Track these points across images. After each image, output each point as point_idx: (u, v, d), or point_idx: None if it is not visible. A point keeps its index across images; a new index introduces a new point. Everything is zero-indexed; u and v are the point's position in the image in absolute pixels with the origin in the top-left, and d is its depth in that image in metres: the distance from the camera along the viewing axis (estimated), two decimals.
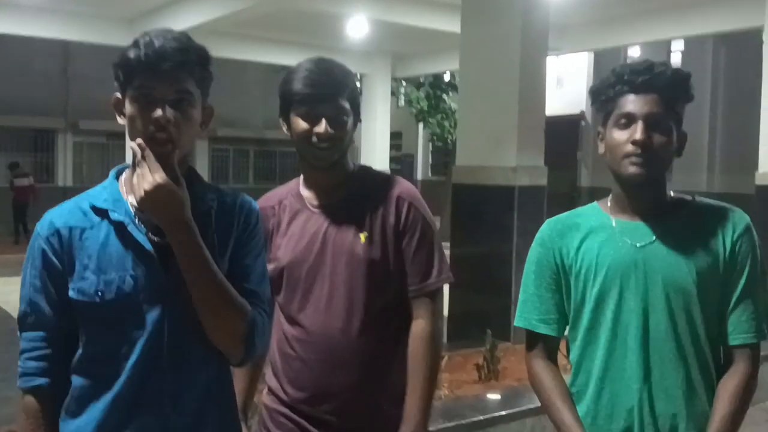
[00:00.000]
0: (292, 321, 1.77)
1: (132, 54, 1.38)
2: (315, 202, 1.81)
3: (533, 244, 1.76)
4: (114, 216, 1.41)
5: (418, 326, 1.76)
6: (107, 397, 1.39)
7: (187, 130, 1.40)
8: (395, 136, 19.14)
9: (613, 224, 1.65)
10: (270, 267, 1.76)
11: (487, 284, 5.33)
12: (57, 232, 1.41)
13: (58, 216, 1.44)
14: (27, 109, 16.44)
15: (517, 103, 5.74)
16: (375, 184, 1.82)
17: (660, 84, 1.57)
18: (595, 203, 1.73)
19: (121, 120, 1.43)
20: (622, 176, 1.60)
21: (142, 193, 1.32)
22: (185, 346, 1.41)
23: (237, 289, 1.42)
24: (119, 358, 1.39)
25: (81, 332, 1.42)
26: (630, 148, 1.56)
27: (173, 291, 1.38)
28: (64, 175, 18.83)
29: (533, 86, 5.92)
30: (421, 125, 21.40)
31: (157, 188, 1.31)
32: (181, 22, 10.02)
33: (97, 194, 1.46)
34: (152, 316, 1.39)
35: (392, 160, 17.29)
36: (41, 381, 1.42)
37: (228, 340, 1.43)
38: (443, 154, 21.99)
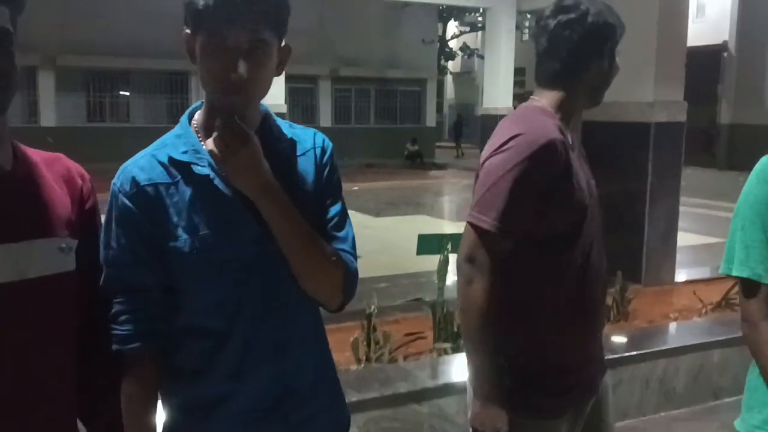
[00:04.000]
0: (582, 273, 1.73)
1: (201, 0, 1.28)
2: (572, 142, 1.74)
3: (752, 182, 1.58)
4: (198, 170, 1.34)
5: None
6: (221, 354, 1.36)
7: (262, 80, 1.33)
8: (519, 72, 18.54)
9: None
10: (571, 210, 1.70)
11: (618, 225, 5.11)
12: (142, 190, 1.33)
13: (139, 171, 1.35)
14: (161, 52, 17.17)
15: (655, 33, 5.37)
16: None
17: None
18: None
19: (192, 60, 1.34)
20: None
21: (225, 165, 1.29)
22: (283, 292, 1.38)
23: (322, 234, 1.38)
24: (223, 312, 1.35)
25: (179, 290, 1.36)
26: None
27: (267, 238, 1.33)
28: None
29: (673, 14, 5.51)
30: None
31: (238, 158, 1.27)
32: None
33: (174, 144, 1.38)
34: (249, 265, 1.34)
35: (515, 97, 16.79)
36: (140, 342, 1.34)
37: (326, 290, 1.40)
38: None
